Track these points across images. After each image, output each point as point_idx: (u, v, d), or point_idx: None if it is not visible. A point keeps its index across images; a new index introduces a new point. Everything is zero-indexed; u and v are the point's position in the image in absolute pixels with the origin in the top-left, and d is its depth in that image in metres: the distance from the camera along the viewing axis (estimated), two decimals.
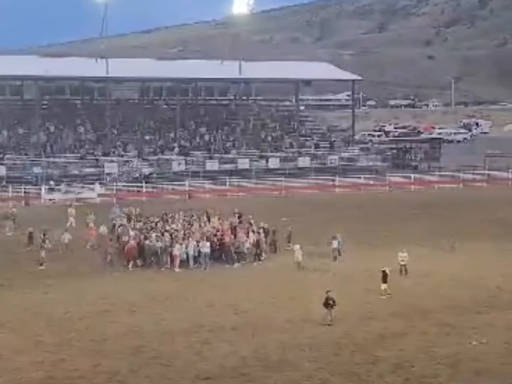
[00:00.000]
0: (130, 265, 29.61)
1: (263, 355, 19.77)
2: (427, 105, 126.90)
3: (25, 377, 18.38)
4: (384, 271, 25.21)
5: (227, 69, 67.63)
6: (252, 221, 33.14)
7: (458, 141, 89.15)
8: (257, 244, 30.96)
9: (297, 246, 29.73)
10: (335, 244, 30.85)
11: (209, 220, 33.95)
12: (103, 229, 34.25)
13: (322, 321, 22.13)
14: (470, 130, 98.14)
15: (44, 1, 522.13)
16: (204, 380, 18.25)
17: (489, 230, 37.74)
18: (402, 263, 27.72)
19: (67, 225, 36.89)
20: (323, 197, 51.13)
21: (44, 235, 32.30)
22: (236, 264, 30.02)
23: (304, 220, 40.30)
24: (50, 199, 50.01)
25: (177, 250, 29.56)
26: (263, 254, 31.02)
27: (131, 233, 31.52)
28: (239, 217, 34.89)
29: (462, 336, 21.26)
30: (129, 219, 34.87)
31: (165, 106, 68.46)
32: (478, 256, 31.54)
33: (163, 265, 29.57)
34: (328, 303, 22.11)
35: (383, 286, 25.03)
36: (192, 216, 34.57)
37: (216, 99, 73.02)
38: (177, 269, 29.32)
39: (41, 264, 29.86)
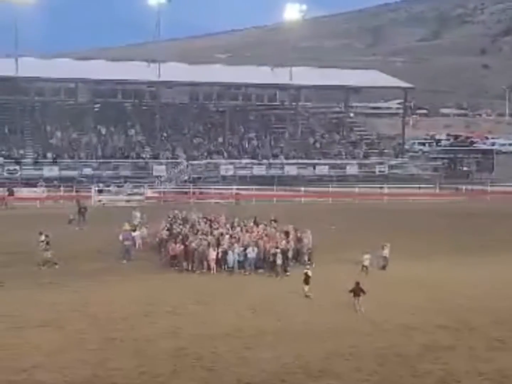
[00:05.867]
0: (197, 270, 29.53)
1: (305, 362, 19.59)
2: (480, 115, 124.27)
3: (71, 375, 18.59)
4: (306, 273, 25.92)
5: (277, 75, 67.74)
6: (290, 227, 32.86)
7: None
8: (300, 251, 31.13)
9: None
10: (384, 253, 30.60)
11: (257, 226, 33.80)
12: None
13: (353, 307, 23.57)
14: None
15: (102, 6, 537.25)
16: None
17: None
18: (365, 263, 29.11)
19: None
20: (371, 205, 50.64)
21: (46, 237, 31.40)
22: (287, 272, 29.62)
23: (349, 228, 40.05)
24: (99, 201, 50.87)
25: (217, 253, 29.67)
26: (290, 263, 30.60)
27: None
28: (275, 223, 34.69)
29: (510, 351, 20.70)
30: (174, 223, 34.97)
31: (214, 110, 68.96)
32: None
33: (206, 268, 29.69)
34: (359, 289, 23.57)
35: (306, 288, 25.67)
36: (239, 221, 34.52)
37: (265, 105, 73.23)
38: (215, 272, 29.44)
39: (50, 263, 29.67)
